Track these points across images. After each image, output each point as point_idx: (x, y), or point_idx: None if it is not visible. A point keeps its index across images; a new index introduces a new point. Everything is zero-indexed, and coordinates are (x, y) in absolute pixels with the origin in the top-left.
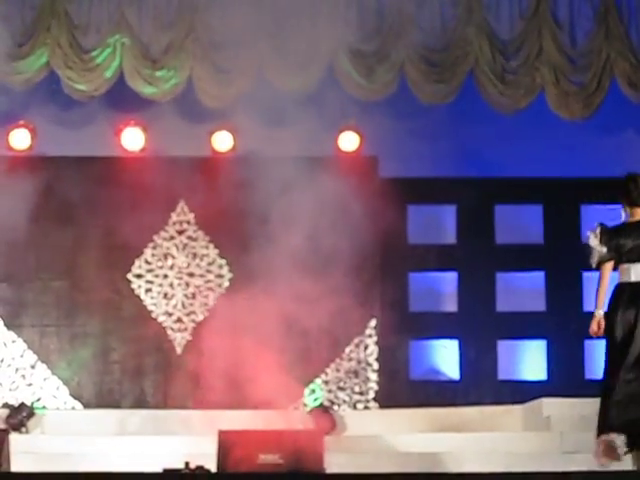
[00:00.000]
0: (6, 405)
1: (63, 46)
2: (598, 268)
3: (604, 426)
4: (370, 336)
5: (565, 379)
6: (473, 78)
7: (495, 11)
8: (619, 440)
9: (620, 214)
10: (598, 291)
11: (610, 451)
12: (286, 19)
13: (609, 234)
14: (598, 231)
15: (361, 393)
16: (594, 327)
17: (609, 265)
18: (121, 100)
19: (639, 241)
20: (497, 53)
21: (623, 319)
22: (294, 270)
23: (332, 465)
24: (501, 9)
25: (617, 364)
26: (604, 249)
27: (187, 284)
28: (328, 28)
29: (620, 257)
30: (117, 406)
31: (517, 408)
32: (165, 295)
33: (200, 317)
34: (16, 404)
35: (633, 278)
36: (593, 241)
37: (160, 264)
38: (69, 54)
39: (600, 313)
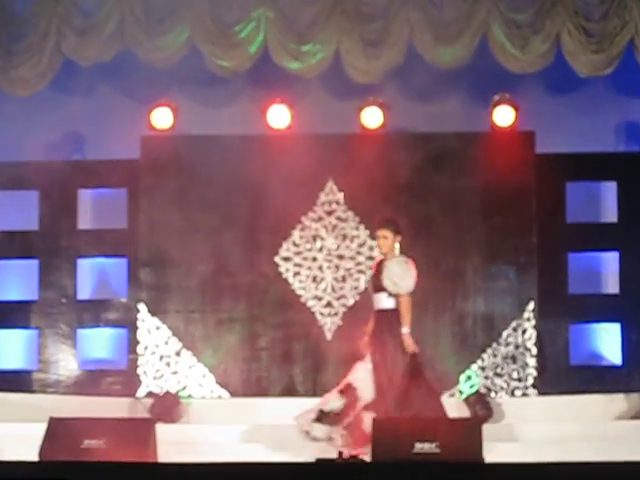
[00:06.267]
0: (151, 394)
1: (205, 21)
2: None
3: None
4: (528, 319)
5: None
6: (633, 48)
7: None
8: None
9: None
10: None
11: None
12: None
13: None
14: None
15: (519, 379)
16: None
17: None
18: (266, 76)
19: None
20: None
21: None
22: (448, 251)
23: (491, 455)
24: None
25: None
26: None
27: (337, 267)
28: None
29: None
30: (265, 394)
31: None
32: (314, 278)
33: (351, 301)
34: (161, 393)
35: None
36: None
37: (309, 246)
38: (212, 29)
39: None
